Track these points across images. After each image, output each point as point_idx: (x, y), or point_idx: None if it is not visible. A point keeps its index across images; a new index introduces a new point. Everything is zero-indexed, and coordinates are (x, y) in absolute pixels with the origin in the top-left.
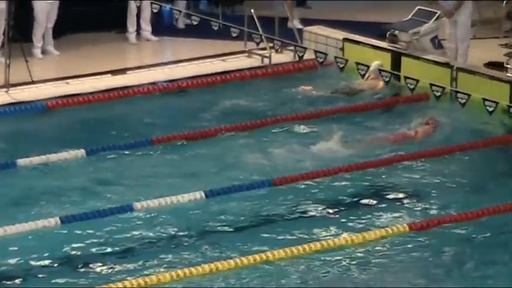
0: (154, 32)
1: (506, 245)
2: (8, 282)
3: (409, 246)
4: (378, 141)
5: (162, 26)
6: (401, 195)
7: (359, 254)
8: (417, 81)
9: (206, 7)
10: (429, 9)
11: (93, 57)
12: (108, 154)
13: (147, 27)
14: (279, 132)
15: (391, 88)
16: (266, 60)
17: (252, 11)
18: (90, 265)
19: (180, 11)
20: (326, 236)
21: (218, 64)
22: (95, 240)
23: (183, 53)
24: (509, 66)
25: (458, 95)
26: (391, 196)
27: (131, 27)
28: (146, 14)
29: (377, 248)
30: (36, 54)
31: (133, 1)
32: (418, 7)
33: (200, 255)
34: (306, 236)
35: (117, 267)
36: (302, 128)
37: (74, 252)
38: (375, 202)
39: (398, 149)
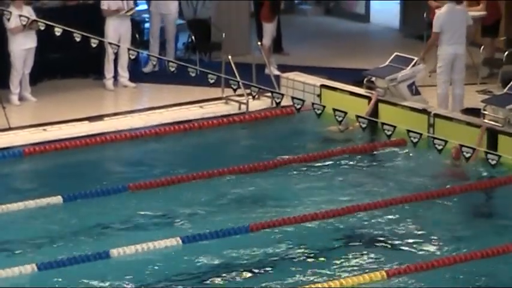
0: (132, 78)
1: None
2: None
3: None
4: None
5: (140, 72)
6: (379, 241)
7: None
8: (394, 127)
9: (183, 54)
10: (406, 55)
11: (71, 103)
12: (85, 201)
13: (124, 74)
14: (257, 178)
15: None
16: (243, 107)
17: (229, 57)
18: None
19: (157, 57)
20: (303, 283)
21: (195, 110)
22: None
23: (160, 99)
24: (486, 112)
25: (435, 141)
26: (368, 242)
27: (108, 73)
28: (123, 61)
29: None
30: (13, 101)
31: (110, 47)
32: (395, 53)
33: None
34: (283, 283)
35: None
36: (280, 174)
37: None
38: (352, 248)
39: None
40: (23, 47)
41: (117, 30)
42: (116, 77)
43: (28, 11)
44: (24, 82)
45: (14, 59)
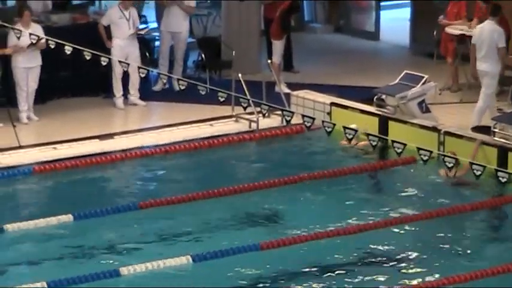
0: (142, 96)
1: None
2: None
3: None
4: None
5: (150, 90)
6: (388, 259)
7: None
8: (404, 145)
9: (193, 72)
10: (416, 73)
11: (80, 122)
12: (96, 219)
13: (134, 92)
14: (268, 195)
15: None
16: (254, 125)
17: (240, 75)
18: None
19: (167, 75)
20: None
21: (205, 129)
22: None
23: (170, 117)
24: (496, 130)
25: (446, 159)
26: (378, 260)
27: (118, 92)
28: (133, 79)
29: None
30: (22, 119)
31: (118, 66)
32: (405, 71)
33: None
34: None
35: None
36: (290, 192)
37: None
38: (363, 266)
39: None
40: (23, 65)
41: (123, 50)
42: (125, 95)
43: (36, 29)
44: (28, 101)
45: (16, 78)
